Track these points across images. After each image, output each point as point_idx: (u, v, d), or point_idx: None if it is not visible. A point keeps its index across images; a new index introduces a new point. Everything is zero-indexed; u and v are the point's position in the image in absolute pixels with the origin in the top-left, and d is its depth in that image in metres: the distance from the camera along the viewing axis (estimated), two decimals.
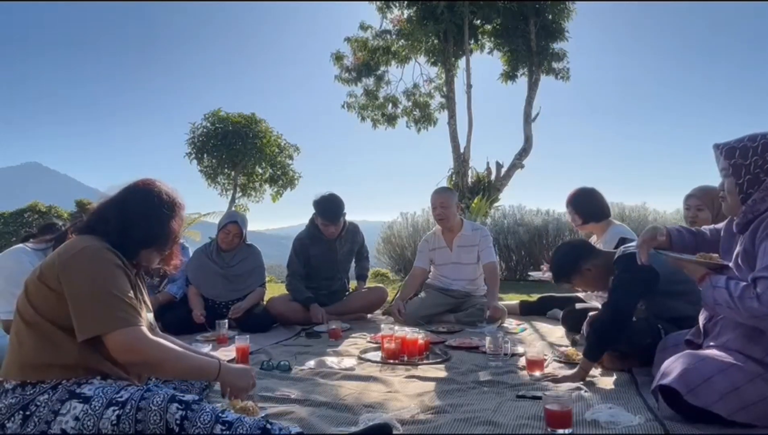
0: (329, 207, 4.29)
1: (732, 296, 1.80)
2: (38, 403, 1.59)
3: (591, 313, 3.19)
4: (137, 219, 1.78)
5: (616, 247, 2.98)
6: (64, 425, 1.56)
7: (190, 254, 4.42)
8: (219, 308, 4.16)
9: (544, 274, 3.86)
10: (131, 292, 1.71)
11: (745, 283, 1.80)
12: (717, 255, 2.04)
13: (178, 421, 1.52)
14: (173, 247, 1.92)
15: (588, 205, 3.95)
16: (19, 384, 1.63)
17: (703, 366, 1.87)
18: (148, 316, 1.89)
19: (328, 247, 4.42)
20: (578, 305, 3.88)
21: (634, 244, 2.72)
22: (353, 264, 4.77)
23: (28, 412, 1.58)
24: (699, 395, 1.83)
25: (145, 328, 1.68)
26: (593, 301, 3.90)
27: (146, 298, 1.93)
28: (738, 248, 1.95)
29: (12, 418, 1.59)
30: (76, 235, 1.80)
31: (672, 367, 1.94)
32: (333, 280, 4.53)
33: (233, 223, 4.27)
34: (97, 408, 1.56)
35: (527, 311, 4.52)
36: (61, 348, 1.63)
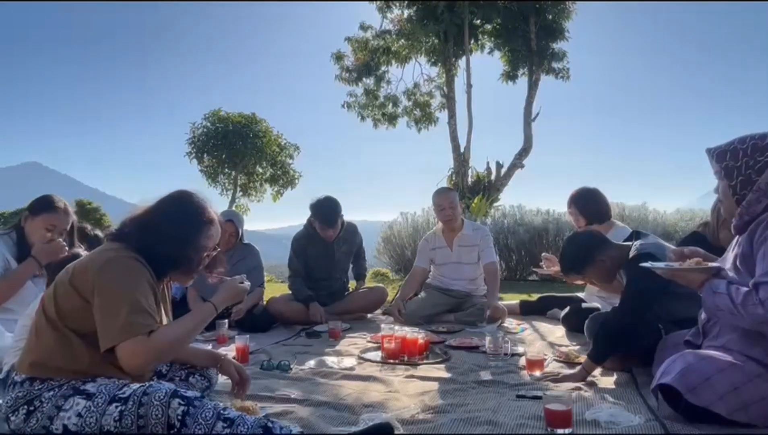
0: (327, 212, 4.28)
1: (734, 302, 1.80)
2: (43, 400, 1.61)
3: (592, 314, 3.19)
4: (158, 243, 1.77)
5: (628, 239, 2.87)
6: (66, 421, 1.57)
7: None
8: None
9: (548, 268, 3.84)
10: (153, 302, 1.73)
11: (746, 289, 1.80)
12: (700, 259, 2.03)
13: (179, 417, 1.52)
14: (209, 262, 1.95)
15: (592, 205, 3.92)
16: (28, 378, 1.65)
17: (703, 365, 1.87)
18: None
19: (326, 247, 4.42)
20: (584, 305, 3.86)
21: (650, 240, 2.68)
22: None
23: (32, 408, 1.60)
24: (699, 394, 1.83)
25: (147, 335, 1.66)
26: (594, 301, 3.90)
27: (168, 309, 1.95)
28: (736, 250, 1.95)
29: (16, 412, 1.60)
30: (109, 241, 1.81)
31: (672, 366, 1.94)
32: (331, 280, 4.53)
33: (228, 221, 4.25)
34: (99, 404, 1.57)
35: (527, 311, 4.51)
36: (76, 354, 1.65)
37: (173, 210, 1.84)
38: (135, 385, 1.61)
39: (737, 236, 1.99)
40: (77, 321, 1.65)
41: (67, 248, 2.78)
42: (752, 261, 1.84)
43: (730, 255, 2.00)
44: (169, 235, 1.79)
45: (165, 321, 1.88)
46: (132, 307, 1.63)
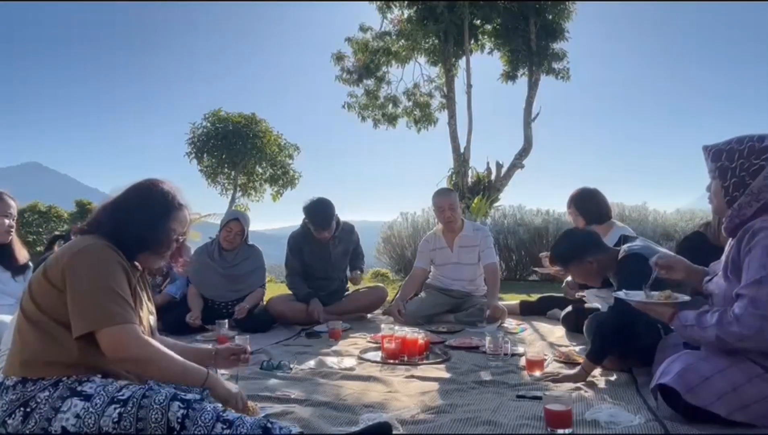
0: (320, 215, 4.27)
1: (705, 330, 1.81)
2: (38, 400, 1.60)
3: (592, 314, 3.19)
4: (128, 222, 1.79)
5: (617, 244, 2.92)
6: (64, 422, 1.56)
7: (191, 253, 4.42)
8: (219, 308, 4.16)
9: (546, 266, 3.86)
10: (128, 291, 1.72)
11: (719, 311, 1.81)
12: (669, 292, 2.04)
13: (179, 420, 1.52)
14: (176, 247, 1.92)
15: (592, 206, 3.92)
16: (20, 380, 1.64)
17: (702, 365, 1.87)
18: (150, 319, 1.90)
19: (322, 246, 4.41)
20: (587, 305, 3.87)
21: (638, 242, 2.70)
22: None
23: (28, 409, 1.59)
24: (698, 395, 1.83)
25: (137, 327, 1.69)
26: (594, 302, 3.90)
27: (148, 300, 1.94)
28: (727, 256, 1.94)
29: (12, 415, 1.60)
30: (77, 235, 1.81)
31: (671, 366, 1.94)
32: (329, 279, 4.52)
33: (235, 220, 4.27)
34: (98, 406, 1.57)
35: (527, 311, 4.52)
36: (63, 345, 1.64)
37: (144, 193, 1.87)
38: (134, 387, 1.61)
39: (730, 239, 2.00)
40: (56, 309, 1.65)
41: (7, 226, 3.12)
42: (740, 269, 1.84)
43: (724, 259, 2.00)
44: (140, 215, 1.80)
45: (145, 308, 1.88)
46: (113, 294, 1.64)
